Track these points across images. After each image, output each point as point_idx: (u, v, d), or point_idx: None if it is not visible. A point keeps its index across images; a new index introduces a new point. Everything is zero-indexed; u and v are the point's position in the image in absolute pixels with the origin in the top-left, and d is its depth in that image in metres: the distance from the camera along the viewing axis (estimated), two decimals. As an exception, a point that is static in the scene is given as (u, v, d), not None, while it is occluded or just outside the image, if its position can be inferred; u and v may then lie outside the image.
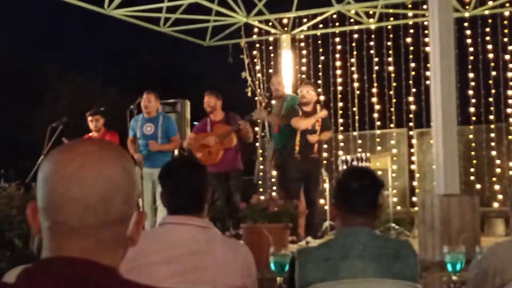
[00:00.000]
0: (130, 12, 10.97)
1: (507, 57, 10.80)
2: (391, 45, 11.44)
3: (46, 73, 26.88)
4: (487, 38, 10.94)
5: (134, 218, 1.32)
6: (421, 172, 10.88)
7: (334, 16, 11.55)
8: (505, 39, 10.83)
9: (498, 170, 10.50)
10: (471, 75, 10.93)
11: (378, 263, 2.71)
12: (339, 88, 11.67)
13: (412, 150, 11.17)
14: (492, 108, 10.83)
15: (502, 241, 3.21)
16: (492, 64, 10.89)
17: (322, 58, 11.77)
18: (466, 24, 10.98)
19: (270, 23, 11.82)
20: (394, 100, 11.45)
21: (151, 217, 7.81)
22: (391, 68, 11.44)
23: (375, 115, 11.51)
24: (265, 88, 10.97)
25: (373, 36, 11.53)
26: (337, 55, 11.75)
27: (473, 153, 10.63)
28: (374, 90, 11.49)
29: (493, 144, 10.59)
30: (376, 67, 11.48)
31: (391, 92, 11.41)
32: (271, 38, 11.97)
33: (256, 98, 8.72)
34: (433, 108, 6.73)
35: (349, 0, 10.82)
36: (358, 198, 2.81)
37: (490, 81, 10.89)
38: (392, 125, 11.47)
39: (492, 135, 10.63)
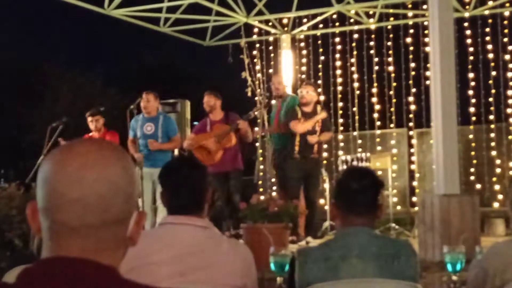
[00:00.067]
0: (130, 12, 10.97)
1: (507, 57, 10.80)
2: (391, 45, 11.44)
3: (46, 73, 26.89)
4: (487, 38, 10.94)
5: (134, 218, 1.32)
6: (421, 172, 10.88)
7: (334, 16, 11.55)
8: (505, 39, 10.83)
9: (498, 170, 10.50)
10: (471, 75, 10.93)
11: (378, 263, 2.71)
12: (339, 88, 11.67)
13: (412, 150, 11.17)
14: (492, 108, 10.84)
15: (502, 241, 3.21)
16: (492, 64, 10.89)
17: (322, 58, 11.77)
18: (466, 24, 10.99)
19: (270, 23, 11.82)
20: (394, 100, 11.46)
21: (151, 217, 7.81)
22: (391, 68, 11.44)
23: (375, 115, 11.51)
24: (265, 88, 10.97)
25: (373, 36, 11.53)
26: (337, 55, 11.75)
27: (473, 153, 10.63)
28: (374, 90, 11.49)
29: (493, 144, 10.60)
30: (376, 67, 11.48)
31: (391, 92, 11.41)
32: (271, 38, 11.97)
33: (256, 98, 8.70)
34: (433, 108, 6.73)
35: (349, 0, 10.82)
36: (358, 198, 2.81)
37: (490, 81, 10.90)
38: (392, 125, 11.47)
39: (492, 135, 10.64)
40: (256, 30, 11.82)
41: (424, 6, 10.20)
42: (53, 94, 26.77)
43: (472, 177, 10.51)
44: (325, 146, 10.08)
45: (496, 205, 10.15)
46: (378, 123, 11.46)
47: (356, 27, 11.59)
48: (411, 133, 11.24)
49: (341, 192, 2.90)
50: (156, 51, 30.30)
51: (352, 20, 11.60)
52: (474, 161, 10.59)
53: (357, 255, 2.72)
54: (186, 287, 2.52)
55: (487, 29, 10.94)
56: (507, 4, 10.88)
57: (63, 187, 1.25)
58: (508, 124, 10.65)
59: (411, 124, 11.26)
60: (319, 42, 11.87)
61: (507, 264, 2.85)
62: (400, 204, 10.70)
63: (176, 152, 8.74)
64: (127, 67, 31.41)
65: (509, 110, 10.78)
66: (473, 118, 10.83)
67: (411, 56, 11.27)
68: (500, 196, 10.17)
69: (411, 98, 11.21)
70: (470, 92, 10.90)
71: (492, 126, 10.71)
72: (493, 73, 10.88)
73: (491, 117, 10.84)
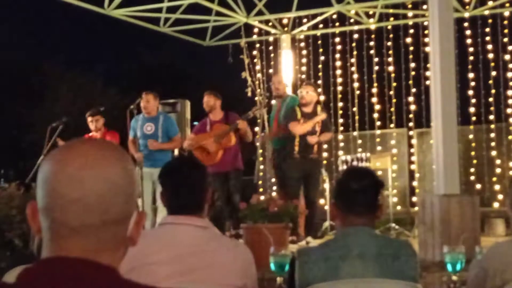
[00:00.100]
0: (130, 12, 10.97)
1: (507, 57, 10.80)
2: (391, 45, 11.44)
3: (46, 73, 26.89)
4: (487, 38, 10.94)
5: (134, 218, 1.32)
6: (421, 172, 10.88)
7: (334, 16, 11.54)
8: (505, 39, 10.83)
9: (498, 170, 10.50)
10: (471, 75, 10.93)
11: (378, 263, 2.71)
12: (339, 88, 11.66)
13: (412, 150, 11.17)
14: (492, 108, 10.83)
15: (502, 241, 3.21)
16: (492, 64, 10.89)
17: (322, 58, 11.77)
18: (466, 24, 10.99)
19: (270, 23, 11.82)
20: (394, 100, 11.46)
21: (151, 217, 7.81)
22: (391, 68, 11.44)
23: (375, 115, 11.51)
24: (265, 88, 10.97)
25: (373, 36, 11.53)
26: (337, 55, 11.75)
27: (473, 153, 10.63)
28: (374, 90, 11.48)
29: (493, 144, 10.59)
30: (376, 67, 11.48)
31: (391, 92, 11.41)
32: (271, 38, 11.97)
33: (256, 98, 8.70)
34: (433, 108, 6.73)
35: (349, 0, 10.82)
36: (358, 198, 2.81)
37: (490, 81, 10.89)
38: (392, 125, 11.47)
39: (492, 135, 10.64)
40: (256, 30, 11.81)
41: (424, 6, 10.20)
42: (53, 94, 26.77)
43: (472, 177, 10.51)
44: (325, 146, 10.08)
45: (496, 205, 10.15)
46: (378, 123, 11.46)
47: (356, 27, 11.59)
48: (411, 133, 11.24)
49: (341, 192, 2.90)
50: (156, 51, 30.34)
51: (352, 20, 11.59)
52: (474, 161, 10.59)
53: (357, 255, 2.72)
54: (186, 287, 2.52)
55: (487, 29, 10.94)
56: (507, 4, 10.88)
57: (63, 187, 1.25)
58: (508, 124, 10.65)
59: (411, 124, 11.26)
60: (319, 42, 11.86)
61: (507, 264, 2.85)
62: (400, 204, 10.70)
63: (176, 152, 8.74)
64: (127, 67, 31.44)
65: (509, 110, 10.78)
66: (473, 118, 10.83)
67: (411, 56, 11.26)
68: (500, 196, 10.17)
69: (411, 98, 11.21)
70: (470, 92, 10.89)
71: (492, 126, 10.71)
72: (493, 73, 10.88)
73: (491, 117, 10.84)
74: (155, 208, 7.91)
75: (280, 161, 8.25)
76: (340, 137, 11.38)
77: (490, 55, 10.92)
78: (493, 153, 10.57)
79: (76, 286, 1.21)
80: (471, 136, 10.67)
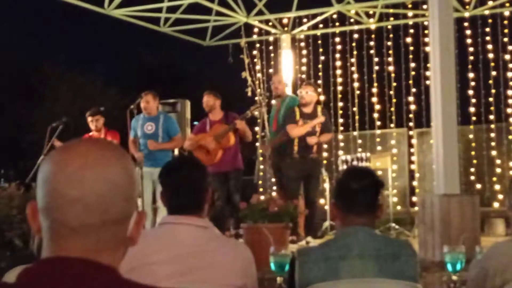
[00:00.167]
0: (130, 12, 10.97)
1: (507, 57, 10.80)
2: (391, 45, 11.45)
3: (46, 73, 26.89)
4: (487, 38, 10.94)
5: (134, 218, 1.32)
6: (421, 172, 10.88)
7: (334, 16, 11.55)
8: (505, 39, 10.83)
9: (498, 170, 10.51)
10: (471, 75, 10.93)
11: (378, 263, 2.71)
12: (339, 88, 11.67)
13: (412, 150, 11.17)
14: (492, 108, 10.83)
15: (502, 241, 3.20)
16: (492, 64, 10.89)
17: (322, 58, 11.77)
18: (466, 24, 10.99)
19: (270, 23, 11.82)
20: (394, 100, 11.46)
21: (151, 217, 7.81)
22: (391, 68, 11.44)
23: (375, 115, 11.51)
24: (265, 88, 10.97)
25: (373, 36, 11.53)
26: (337, 55, 11.75)
27: (473, 153, 10.63)
28: (374, 90, 11.49)
29: (493, 144, 10.60)
30: (376, 67, 11.48)
31: (391, 92, 11.41)
32: (271, 38, 11.97)
33: (256, 98, 8.70)
34: (433, 108, 6.73)
35: (349, 0, 10.82)
36: (358, 198, 2.81)
37: (490, 81, 10.89)
38: (392, 125, 11.47)
39: (492, 135, 10.64)
40: (256, 30, 11.82)
41: (424, 6, 10.20)
42: (53, 94, 26.77)
43: (472, 177, 10.51)
44: (325, 146, 10.08)
45: (496, 205, 10.15)
46: (378, 123, 11.46)
47: (356, 27, 11.59)
48: (411, 133, 11.24)
49: (341, 192, 2.90)
50: (156, 51, 30.36)
51: (352, 20, 11.60)
52: (474, 161, 10.59)
53: (357, 255, 2.72)
54: (186, 287, 2.52)
55: (487, 29, 10.94)
56: (507, 4, 10.88)
57: (63, 187, 1.25)
58: (508, 124, 10.65)
59: (411, 124, 11.27)
60: (319, 42, 11.87)
61: (507, 264, 2.85)
62: (400, 204, 10.70)
63: (176, 152, 8.74)
64: (127, 67, 31.45)
65: (509, 110, 10.78)
66: (473, 118, 10.83)
67: (411, 56, 11.27)
68: (500, 196, 10.17)
69: (411, 98, 11.21)
70: (470, 92, 10.90)
71: (492, 126, 10.71)
72: (493, 73, 10.88)
73: (491, 117, 10.84)
74: (155, 208, 7.91)
75: (279, 161, 8.23)
76: (340, 137, 11.38)
77: (490, 55, 10.92)
78: (493, 153, 10.57)
79: (76, 286, 1.21)
80: (471, 136, 10.67)
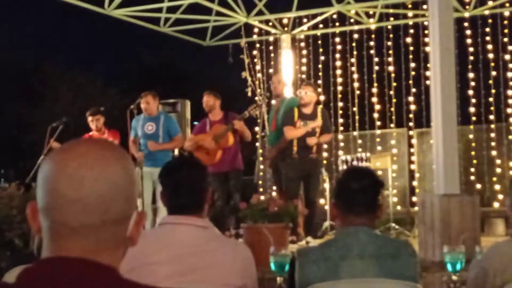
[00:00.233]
0: (130, 12, 10.97)
1: (507, 57, 10.80)
2: (391, 45, 11.45)
3: (46, 73, 26.89)
4: (487, 38, 10.94)
5: (134, 218, 1.32)
6: (421, 172, 10.88)
7: (334, 16, 11.55)
8: (505, 39, 10.84)
9: (498, 170, 10.51)
10: (471, 75, 10.93)
11: (378, 263, 2.71)
12: (339, 88, 11.67)
13: (412, 150, 11.17)
14: (492, 108, 10.84)
15: (502, 241, 3.21)
16: (492, 64, 10.89)
17: (322, 58, 11.77)
18: (466, 24, 10.99)
19: (270, 23, 11.82)
20: (394, 100, 11.46)
21: (151, 217, 7.81)
22: (391, 68, 11.44)
23: (375, 115, 11.51)
24: (265, 88, 10.97)
25: (373, 36, 11.53)
26: (337, 55, 11.75)
27: (473, 153, 10.63)
28: (374, 90, 11.49)
29: (493, 144, 10.60)
30: (376, 67, 11.48)
31: (391, 92, 11.42)
32: (271, 38, 11.97)
33: (256, 98, 8.70)
34: (433, 108, 6.72)
35: (349, 0, 10.82)
36: (358, 198, 2.81)
37: (490, 81, 10.90)
38: (392, 125, 11.48)
39: (492, 135, 10.64)
40: (256, 30, 11.81)
41: (424, 6, 10.19)
42: (53, 94, 26.77)
43: (472, 177, 10.51)
44: (325, 146, 10.08)
45: (496, 205, 10.15)
46: (378, 123, 11.46)
47: (356, 27, 11.59)
48: (411, 133, 11.24)
49: (341, 192, 2.90)
50: (156, 51, 30.33)
51: (352, 20, 11.60)
52: (474, 161, 10.59)
53: (357, 255, 2.72)
54: (186, 287, 2.52)
55: (487, 29, 10.94)
56: (507, 4, 10.88)
57: (63, 187, 1.25)
58: (508, 124, 10.65)
59: (411, 124, 11.27)
60: (319, 42, 11.87)
61: (507, 264, 2.85)
62: (400, 204, 10.70)
63: (176, 152, 8.74)
64: (127, 67, 31.44)
65: (509, 110, 10.78)
66: (473, 118, 10.83)
67: (411, 56, 11.27)
68: (500, 196, 10.17)
69: (411, 98, 11.21)
70: (470, 92, 10.90)
71: (492, 126, 10.71)
72: (493, 73, 10.88)
73: (491, 117, 10.84)
74: (155, 208, 7.91)
75: (278, 161, 8.22)
76: (340, 137, 11.38)
77: (490, 55, 10.92)
78: (493, 153, 10.57)
79: (76, 286, 1.21)
80: (471, 136, 10.67)
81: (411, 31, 11.25)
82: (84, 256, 1.24)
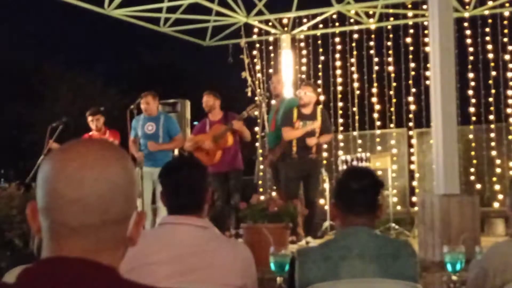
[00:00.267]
0: (130, 12, 10.97)
1: (507, 57, 10.80)
2: (391, 45, 11.45)
3: (46, 73, 26.89)
4: (487, 38, 10.94)
5: (134, 218, 1.32)
6: (421, 172, 10.88)
7: (334, 16, 11.55)
8: (505, 39, 10.84)
9: (498, 170, 10.51)
10: (471, 75, 10.93)
11: (378, 263, 2.71)
12: (339, 88, 11.67)
13: (412, 150, 11.17)
14: (492, 108, 10.84)
15: (502, 241, 3.21)
16: (492, 64, 10.90)
17: (322, 58, 11.77)
18: (466, 24, 10.99)
19: (270, 23, 11.82)
20: (394, 100, 11.46)
21: (151, 217, 7.81)
22: (391, 68, 11.44)
23: (375, 115, 11.51)
24: (265, 88, 10.97)
25: (373, 36, 11.53)
26: (337, 55, 11.75)
27: (473, 153, 10.63)
28: (374, 90, 11.49)
29: (493, 144, 10.60)
30: (376, 67, 11.48)
31: (391, 92, 11.42)
32: (271, 38, 11.97)
33: (256, 98, 8.70)
34: (433, 108, 6.72)
35: (349, 0, 10.82)
36: (358, 198, 2.81)
37: (490, 81, 10.90)
38: (392, 125, 11.48)
39: (492, 135, 10.64)
40: (256, 30, 11.82)
41: (424, 6, 10.20)
42: (53, 94, 26.77)
43: (472, 177, 10.51)
44: (325, 146, 10.08)
45: (496, 205, 10.15)
46: (378, 123, 11.46)
47: (356, 27, 11.59)
48: (411, 133, 11.23)
49: (341, 192, 2.90)
50: (156, 51, 30.32)
51: (352, 20, 11.60)
52: (474, 161, 10.59)
53: (357, 255, 2.72)
54: (186, 287, 2.52)
55: (487, 29, 10.94)
56: (507, 4, 10.88)
57: (63, 187, 1.25)
58: (508, 124, 10.65)
59: (411, 124, 11.26)
60: (319, 42, 11.87)
61: (507, 264, 2.85)
62: (400, 204, 10.70)
63: (176, 152, 8.74)
64: (127, 67, 31.43)
65: (509, 110, 10.79)
66: (473, 118, 10.84)
67: (411, 56, 11.27)
68: (500, 196, 10.17)
69: (411, 98, 11.21)
70: (470, 92, 10.90)
71: (492, 126, 10.71)
72: (493, 73, 10.89)
73: (491, 117, 10.84)
74: (155, 208, 7.91)
75: (277, 161, 8.21)
76: (340, 137, 11.38)
77: (490, 55, 10.92)
78: (493, 153, 10.57)
79: (76, 286, 1.21)
80: (471, 136, 10.67)
81: (411, 31, 11.25)
82: (84, 256, 1.24)
